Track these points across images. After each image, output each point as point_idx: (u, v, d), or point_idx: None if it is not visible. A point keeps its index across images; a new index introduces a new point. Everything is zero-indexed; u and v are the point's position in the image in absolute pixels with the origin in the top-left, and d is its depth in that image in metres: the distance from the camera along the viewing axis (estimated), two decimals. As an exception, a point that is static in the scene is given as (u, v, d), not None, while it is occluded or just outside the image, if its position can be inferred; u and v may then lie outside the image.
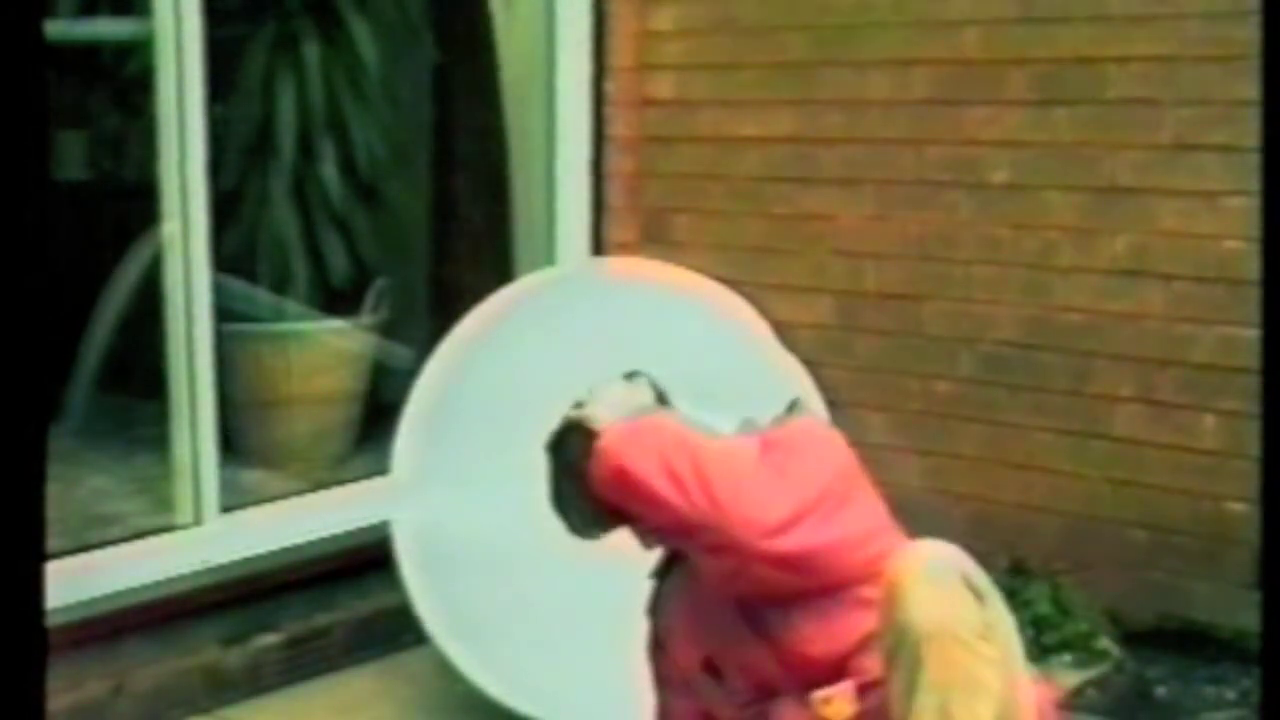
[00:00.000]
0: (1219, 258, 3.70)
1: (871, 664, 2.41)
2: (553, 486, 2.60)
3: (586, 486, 2.51)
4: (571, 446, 2.53)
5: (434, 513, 3.66)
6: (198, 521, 3.80)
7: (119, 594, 3.57)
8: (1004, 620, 2.36)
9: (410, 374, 3.84)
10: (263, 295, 4.68)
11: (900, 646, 2.27)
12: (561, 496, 2.58)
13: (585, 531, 2.60)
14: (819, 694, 2.45)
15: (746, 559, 2.41)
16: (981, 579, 2.34)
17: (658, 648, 2.72)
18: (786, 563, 2.41)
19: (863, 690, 2.43)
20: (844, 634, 2.45)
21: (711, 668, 2.58)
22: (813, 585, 2.45)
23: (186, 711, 3.63)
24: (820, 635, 2.46)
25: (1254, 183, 2.90)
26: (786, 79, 4.36)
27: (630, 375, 2.61)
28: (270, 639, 3.83)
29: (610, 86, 4.57)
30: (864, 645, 2.43)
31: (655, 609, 2.71)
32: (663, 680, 2.71)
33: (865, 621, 2.41)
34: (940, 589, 2.28)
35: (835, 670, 2.46)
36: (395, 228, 5.02)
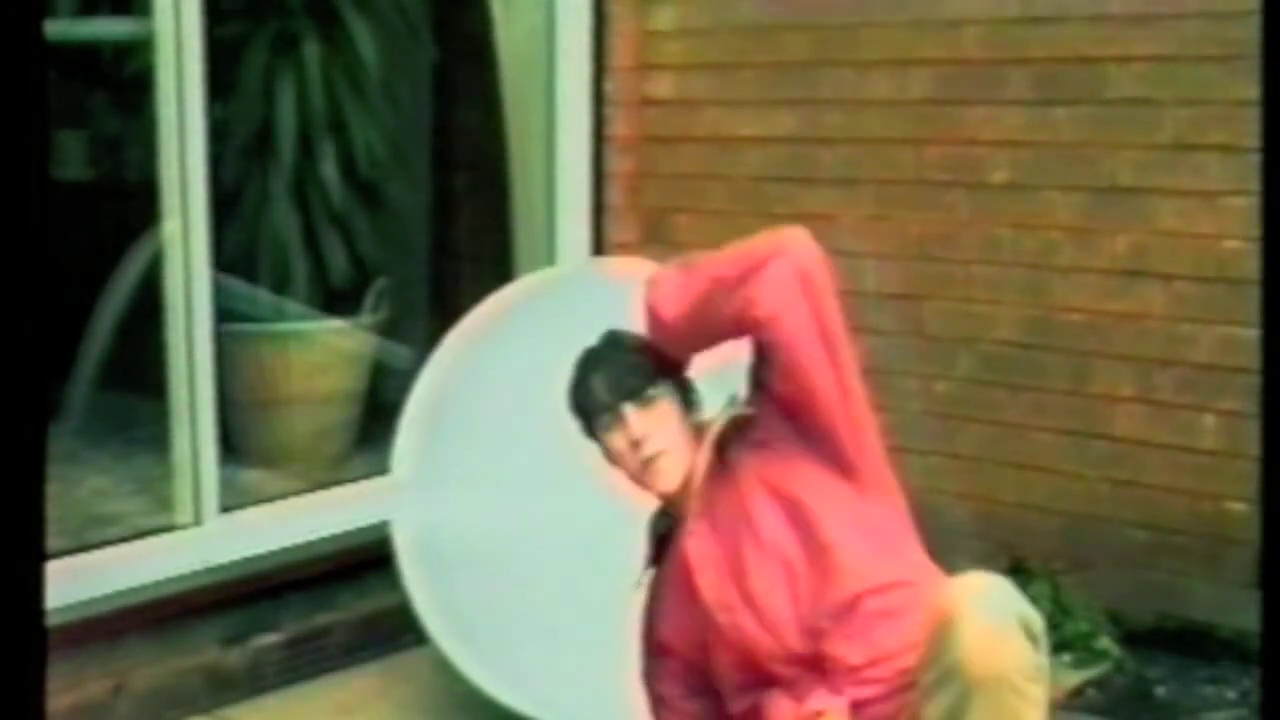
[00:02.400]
0: (1219, 258, 3.71)
1: (843, 655, 2.43)
2: (589, 369, 2.67)
3: (642, 327, 2.62)
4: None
5: (434, 513, 3.66)
6: (198, 521, 3.80)
7: (119, 594, 3.57)
8: (1047, 658, 2.33)
9: (410, 374, 3.84)
10: (263, 295, 4.68)
11: (946, 684, 2.24)
12: (597, 372, 2.65)
13: (623, 391, 2.62)
14: (809, 708, 2.45)
15: (805, 289, 2.49)
16: (1035, 618, 2.28)
17: (654, 661, 2.72)
18: (830, 334, 2.53)
19: (855, 708, 2.43)
20: (820, 599, 2.47)
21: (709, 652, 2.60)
22: (834, 440, 2.52)
23: (186, 711, 3.63)
24: (804, 599, 2.48)
25: (1254, 183, 2.90)
26: (786, 79, 4.36)
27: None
28: (270, 639, 3.83)
29: (610, 86, 4.57)
30: (836, 622, 2.45)
31: (650, 615, 2.72)
32: (659, 700, 2.72)
33: (834, 590, 2.45)
34: (997, 632, 2.22)
35: (815, 652, 2.46)
36: (395, 228, 5.02)
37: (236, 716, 3.68)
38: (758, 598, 2.51)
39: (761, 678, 2.54)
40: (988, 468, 4.09)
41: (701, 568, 2.57)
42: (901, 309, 4.20)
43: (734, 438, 2.61)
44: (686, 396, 2.67)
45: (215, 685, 3.71)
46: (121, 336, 4.56)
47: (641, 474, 2.62)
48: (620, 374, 2.62)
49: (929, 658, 2.28)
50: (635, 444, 2.60)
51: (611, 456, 2.65)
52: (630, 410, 2.60)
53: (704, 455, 2.60)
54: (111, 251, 4.49)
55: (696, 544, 2.59)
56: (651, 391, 2.61)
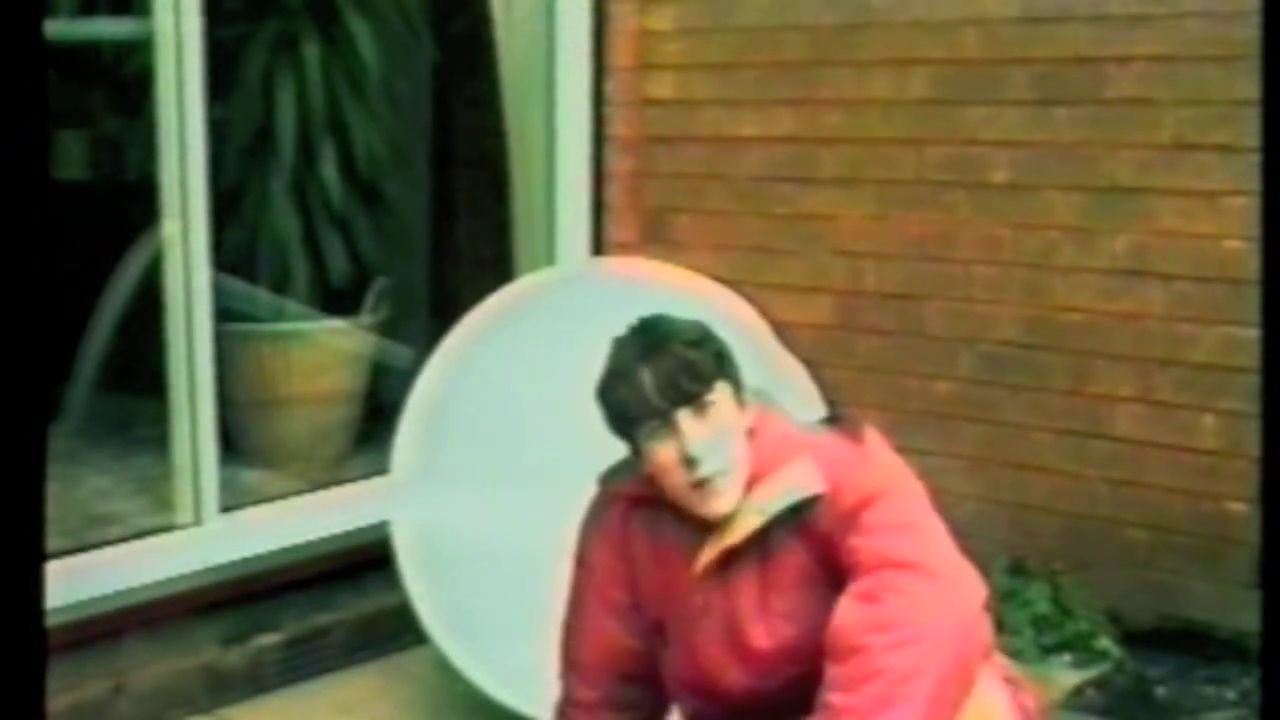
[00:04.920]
0: (1219, 258, 3.70)
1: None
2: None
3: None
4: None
5: (434, 513, 3.66)
6: (198, 521, 3.80)
7: (119, 594, 3.57)
8: None
9: (410, 374, 3.84)
10: (263, 295, 4.68)
11: None
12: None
13: None
14: None
15: None
16: None
17: (570, 671, 2.72)
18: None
19: None
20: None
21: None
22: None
23: (186, 711, 3.63)
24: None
25: (1254, 183, 2.90)
26: (786, 79, 4.36)
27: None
28: (270, 639, 3.83)
29: (610, 86, 4.57)
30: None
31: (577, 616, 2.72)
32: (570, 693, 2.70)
33: None
34: None
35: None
36: (395, 228, 5.02)
37: (236, 716, 3.68)
38: (753, 657, 2.35)
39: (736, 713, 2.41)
40: (988, 468, 4.09)
41: (705, 620, 2.39)
42: (901, 309, 4.20)
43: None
44: (739, 393, 2.35)
45: (215, 685, 3.71)
46: (121, 336, 4.56)
47: (690, 493, 2.31)
48: (674, 372, 2.27)
49: None
50: (689, 460, 2.28)
51: (654, 468, 2.32)
52: (685, 418, 2.27)
53: (745, 530, 2.32)
54: (111, 251, 4.49)
55: (703, 606, 2.38)
56: (710, 397, 2.29)
